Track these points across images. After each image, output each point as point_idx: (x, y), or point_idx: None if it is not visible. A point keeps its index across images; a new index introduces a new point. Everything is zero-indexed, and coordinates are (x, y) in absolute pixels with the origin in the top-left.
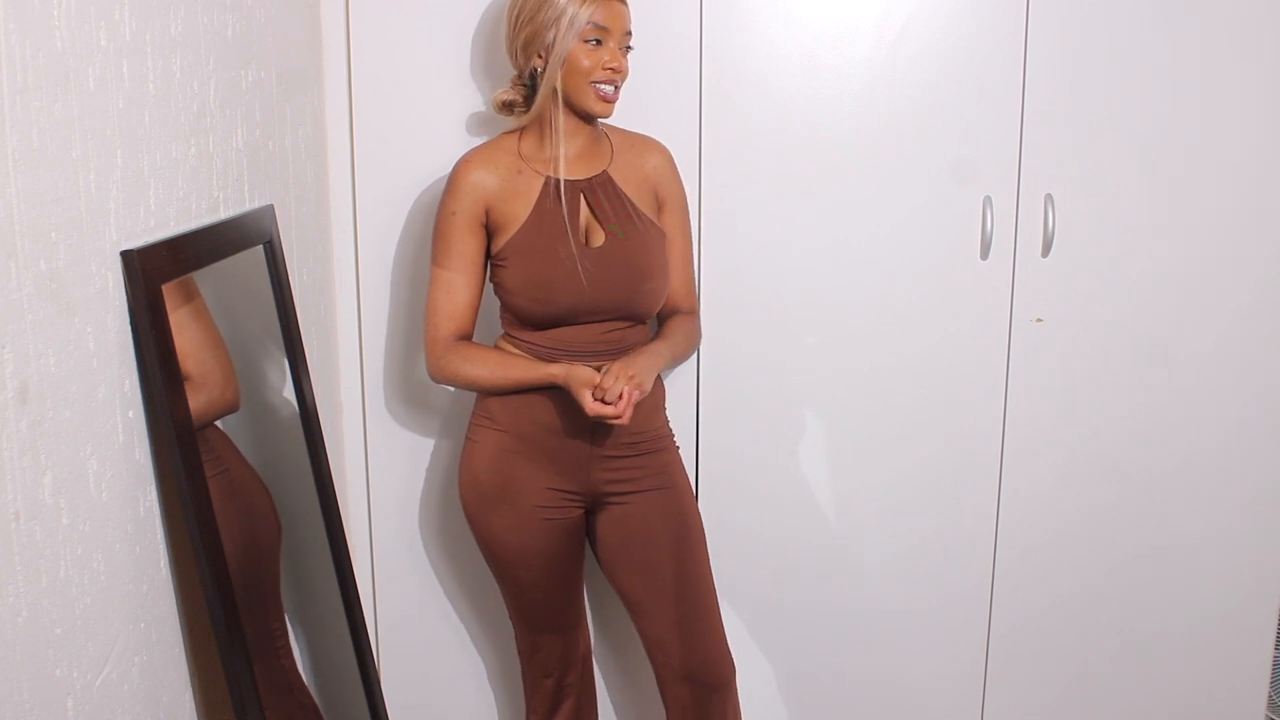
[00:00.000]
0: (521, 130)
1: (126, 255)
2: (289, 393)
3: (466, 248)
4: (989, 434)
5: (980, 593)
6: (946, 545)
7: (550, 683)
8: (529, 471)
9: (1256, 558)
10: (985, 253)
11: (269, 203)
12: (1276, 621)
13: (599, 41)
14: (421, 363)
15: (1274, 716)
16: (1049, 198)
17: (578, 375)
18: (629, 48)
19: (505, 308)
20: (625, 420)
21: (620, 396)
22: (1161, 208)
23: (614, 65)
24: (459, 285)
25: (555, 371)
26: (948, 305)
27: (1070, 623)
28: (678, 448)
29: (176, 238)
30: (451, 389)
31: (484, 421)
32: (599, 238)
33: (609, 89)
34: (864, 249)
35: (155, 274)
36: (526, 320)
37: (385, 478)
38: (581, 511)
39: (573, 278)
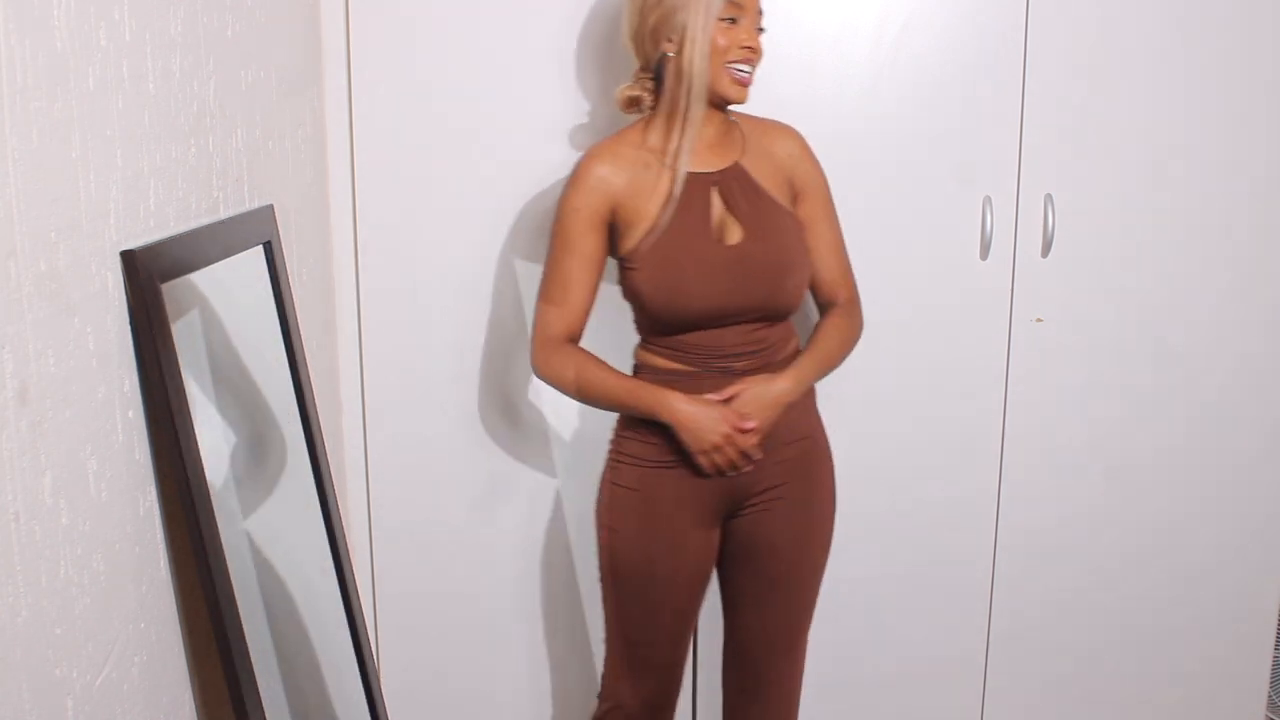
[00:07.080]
0: (647, 121)
1: (126, 255)
2: (289, 393)
3: (587, 246)
4: (989, 434)
5: (980, 593)
6: (946, 544)
7: None
8: (676, 486)
9: (1256, 557)
10: (985, 253)
11: (269, 203)
12: (1276, 621)
13: (734, 20)
14: (421, 362)
15: (1274, 717)
16: (1049, 198)
17: (697, 437)
18: (761, 29)
19: (638, 313)
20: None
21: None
22: (1162, 208)
23: (750, 44)
24: (575, 286)
25: (677, 416)
26: (948, 305)
27: (1070, 622)
28: (829, 447)
29: (176, 238)
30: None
31: (629, 435)
32: (735, 234)
33: (745, 71)
34: (864, 249)
35: (155, 274)
36: (663, 325)
37: (385, 477)
38: (719, 527)
39: (709, 279)
